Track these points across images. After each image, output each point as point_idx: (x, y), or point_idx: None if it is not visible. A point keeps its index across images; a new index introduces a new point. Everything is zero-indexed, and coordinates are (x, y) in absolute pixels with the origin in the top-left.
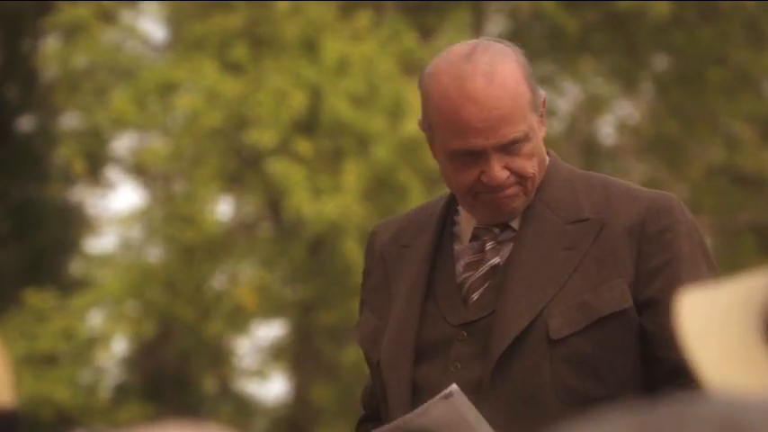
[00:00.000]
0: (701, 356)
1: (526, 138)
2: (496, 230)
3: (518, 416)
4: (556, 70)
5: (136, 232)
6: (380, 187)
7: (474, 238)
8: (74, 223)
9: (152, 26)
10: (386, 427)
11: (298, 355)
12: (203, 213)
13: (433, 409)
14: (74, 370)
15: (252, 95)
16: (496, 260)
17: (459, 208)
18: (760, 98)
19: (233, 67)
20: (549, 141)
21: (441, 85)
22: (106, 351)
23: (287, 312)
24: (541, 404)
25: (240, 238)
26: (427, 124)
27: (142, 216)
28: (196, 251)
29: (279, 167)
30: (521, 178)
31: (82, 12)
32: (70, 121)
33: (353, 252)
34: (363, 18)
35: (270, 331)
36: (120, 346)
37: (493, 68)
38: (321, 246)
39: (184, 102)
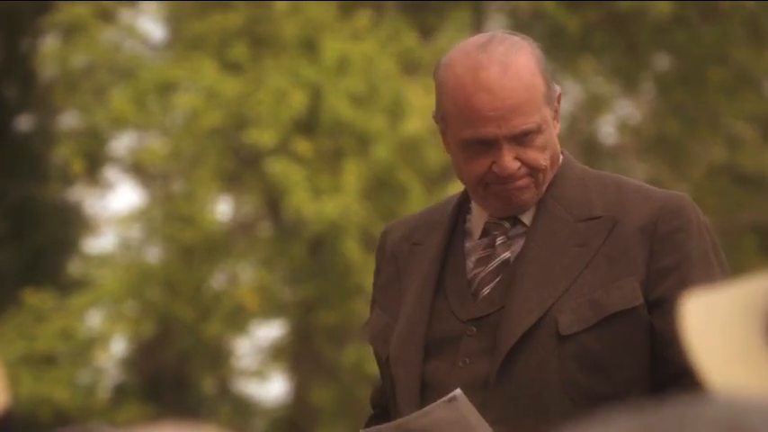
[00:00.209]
0: (704, 359)
1: (539, 130)
2: (507, 225)
3: (525, 412)
4: (556, 70)
5: (135, 232)
6: (380, 187)
7: (484, 233)
8: (72, 223)
9: (151, 25)
10: (387, 425)
11: (297, 355)
12: (202, 213)
13: (436, 411)
14: (72, 370)
15: (251, 95)
16: (507, 255)
17: (471, 205)
18: (761, 98)
19: (232, 67)
20: None
21: (455, 74)
22: (105, 351)
23: (287, 312)
24: (549, 401)
25: (240, 239)
26: (441, 115)
27: (141, 216)
28: (195, 251)
29: (278, 167)
30: (532, 170)
31: (81, 11)
32: (69, 120)
33: (354, 252)
34: (363, 17)
35: (269, 331)
36: (118, 346)
37: (507, 59)
38: (321, 246)
39: (183, 101)
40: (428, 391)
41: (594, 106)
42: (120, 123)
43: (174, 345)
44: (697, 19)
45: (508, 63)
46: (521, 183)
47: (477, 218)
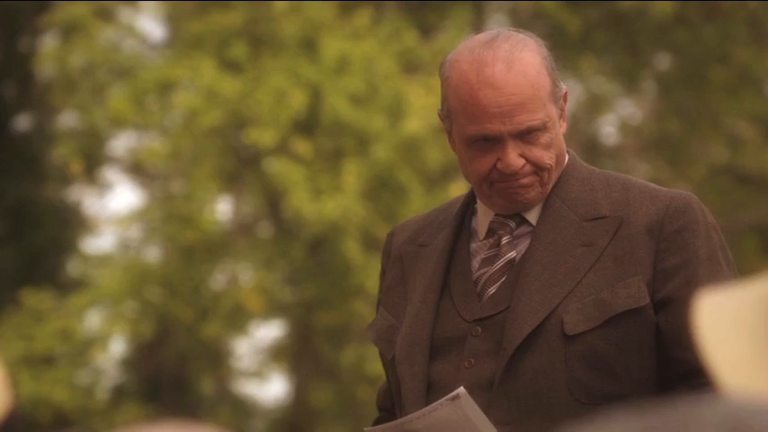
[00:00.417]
0: (718, 359)
1: (544, 127)
2: (512, 224)
3: (531, 412)
4: (557, 69)
5: (134, 232)
6: (380, 187)
7: (489, 233)
8: (71, 223)
9: (150, 25)
10: (391, 423)
11: (297, 355)
12: (202, 213)
13: (439, 409)
14: (71, 371)
15: (251, 95)
16: (512, 254)
17: (477, 206)
18: (762, 97)
19: (232, 66)
20: None
21: (460, 70)
22: (104, 352)
23: (286, 313)
24: (555, 401)
25: (239, 239)
26: (446, 112)
27: (140, 216)
28: (195, 251)
29: (278, 167)
30: (537, 168)
31: (79, 10)
32: (67, 120)
33: (354, 252)
34: (363, 17)
35: (269, 332)
36: (117, 346)
37: (512, 56)
38: (321, 246)
39: (183, 101)
40: (433, 392)
41: (595, 106)
42: (118, 123)
43: (173, 345)
44: (698, 19)
45: (513, 59)
46: (525, 180)
47: (483, 218)
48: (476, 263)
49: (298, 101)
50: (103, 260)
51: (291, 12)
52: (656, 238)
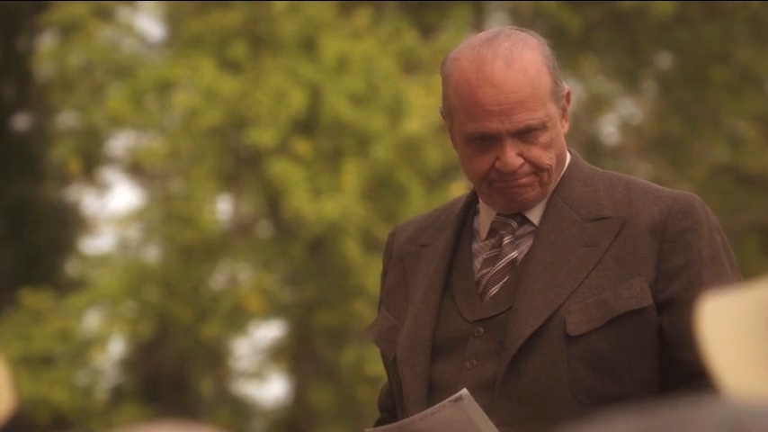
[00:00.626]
0: (721, 362)
1: (543, 127)
2: (514, 224)
3: (533, 413)
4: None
5: (133, 232)
6: (380, 187)
7: (491, 233)
8: (70, 223)
9: (149, 24)
10: (392, 425)
11: (297, 356)
12: (201, 213)
13: (442, 411)
14: (70, 371)
15: (250, 94)
16: (514, 254)
17: (479, 206)
18: (764, 97)
19: (231, 66)
20: None
21: (460, 68)
22: (103, 352)
23: (286, 313)
24: (557, 402)
25: (239, 239)
26: (447, 110)
27: (139, 216)
28: (194, 251)
29: (278, 167)
30: (536, 168)
31: (78, 10)
32: (66, 120)
33: (353, 253)
34: (363, 16)
35: (268, 332)
36: (116, 347)
37: (513, 54)
38: (321, 246)
39: (182, 100)
40: (435, 392)
41: (596, 106)
42: (117, 123)
43: (172, 346)
44: (699, 18)
45: (513, 58)
46: (524, 180)
47: (485, 218)
48: (477, 263)
49: (297, 101)
50: (102, 260)
51: (291, 11)
52: (659, 239)
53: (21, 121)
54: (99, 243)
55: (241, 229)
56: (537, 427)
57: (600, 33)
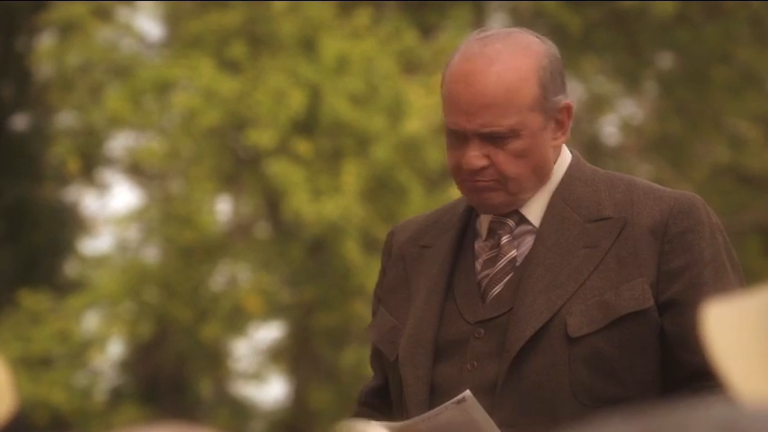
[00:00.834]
0: (728, 366)
1: (514, 135)
2: (511, 224)
3: (534, 415)
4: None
5: (132, 233)
6: (380, 188)
7: (490, 233)
8: (69, 224)
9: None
10: (396, 425)
11: (296, 357)
12: (200, 214)
13: (445, 412)
14: (69, 372)
15: (250, 95)
16: (513, 253)
17: None
18: (765, 97)
19: (230, 66)
20: None
21: (453, 60)
22: (102, 353)
23: (286, 314)
24: (558, 404)
25: (238, 240)
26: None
27: (138, 216)
28: (193, 252)
29: (278, 168)
30: (500, 175)
31: (77, 9)
32: (65, 120)
33: (353, 253)
34: (363, 16)
35: (268, 333)
36: (115, 348)
37: (499, 56)
38: (320, 247)
39: (181, 100)
40: (437, 394)
41: (597, 106)
42: (116, 123)
43: (171, 347)
44: (700, 18)
45: (496, 60)
46: (487, 185)
47: (484, 218)
48: (479, 264)
49: (297, 101)
50: (101, 261)
51: (290, 11)
52: (661, 240)
53: (19, 121)
54: (98, 244)
55: (240, 229)
56: (538, 429)
57: (600, 33)
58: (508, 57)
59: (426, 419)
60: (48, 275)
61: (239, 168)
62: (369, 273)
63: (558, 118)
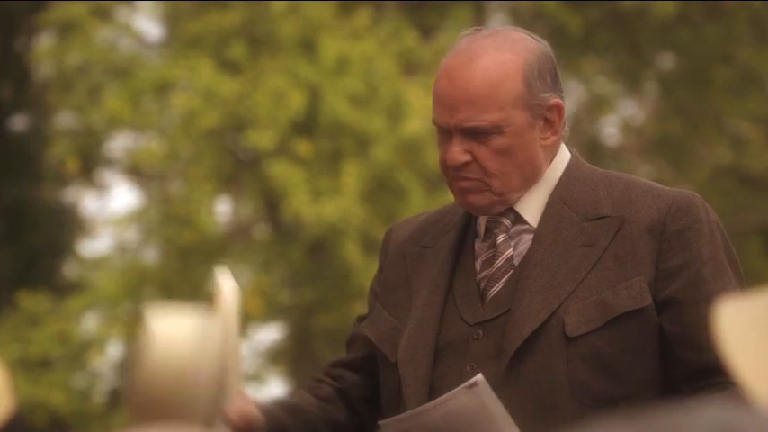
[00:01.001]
0: (740, 365)
1: (496, 130)
2: (507, 222)
3: (533, 415)
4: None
5: (131, 234)
6: (380, 189)
7: (487, 233)
8: (68, 225)
9: (147, 24)
10: (406, 413)
11: (296, 359)
12: (200, 215)
13: (456, 397)
14: (68, 374)
15: (249, 96)
16: (510, 252)
17: None
18: (766, 98)
19: (230, 67)
20: None
21: (446, 56)
22: (101, 355)
23: (285, 316)
24: (557, 403)
25: (237, 241)
26: None
27: (137, 218)
28: (193, 253)
29: (277, 169)
30: (484, 173)
31: (76, 9)
32: (64, 120)
33: (353, 255)
34: (363, 16)
35: (268, 335)
36: (115, 349)
37: (485, 52)
38: (320, 249)
39: (180, 101)
40: (436, 396)
41: (597, 107)
42: (115, 123)
43: None
44: (701, 18)
45: (480, 55)
46: (469, 184)
47: (482, 218)
48: (478, 265)
49: (296, 102)
50: (100, 262)
51: (290, 12)
52: (659, 238)
53: (18, 122)
54: (97, 245)
55: (240, 231)
56: (538, 429)
57: (601, 34)
58: (493, 52)
59: (437, 406)
60: (47, 277)
61: (239, 169)
62: (369, 274)
63: (548, 117)
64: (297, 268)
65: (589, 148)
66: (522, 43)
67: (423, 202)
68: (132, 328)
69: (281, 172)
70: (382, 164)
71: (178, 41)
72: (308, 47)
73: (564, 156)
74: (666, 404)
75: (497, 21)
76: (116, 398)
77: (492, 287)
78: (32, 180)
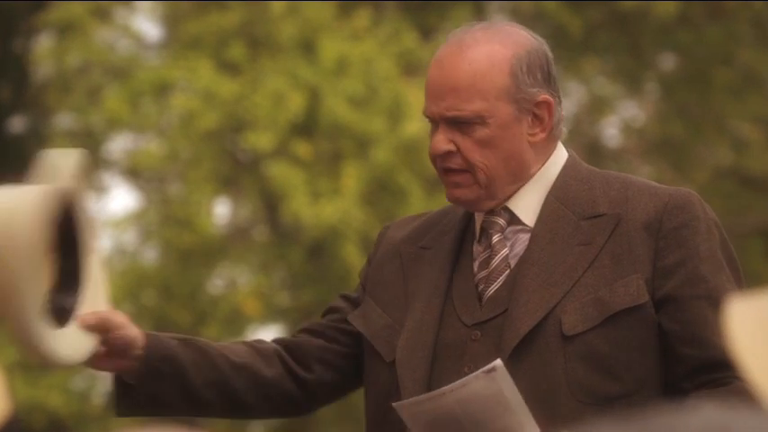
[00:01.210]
0: (750, 364)
1: (479, 121)
2: (501, 222)
3: (532, 413)
4: (559, 71)
5: (130, 236)
6: (380, 190)
7: (482, 233)
8: None
9: (146, 25)
10: (422, 396)
11: None
12: (199, 217)
13: (474, 382)
14: (67, 376)
15: (249, 97)
16: (505, 252)
17: None
18: (767, 99)
19: (229, 68)
20: None
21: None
22: None
23: (285, 317)
24: (556, 402)
25: (237, 242)
26: None
27: (137, 219)
28: (192, 255)
29: (277, 171)
30: (467, 164)
31: (75, 9)
32: (63, 121)
33: (353, 257)
34: (362, 17)
35: (267, 337)
36: None
37: (475, 43)
38: (320, 250)
39: (180, 102)
40: None
41: (598, 108)
42: (114, 124)
43: None
44: (702, 19)
45: (470, 46)
46: (456, 179)
47: (477, 218)
48: (476, 266)
49: (296, 103)
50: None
51: (289, 14)
52: (655, 236)
53: (17, 123)
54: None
55: (239, 232)
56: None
57: (601, 34)
58: (483, 44)
59: (454, 390)
60: None
61: (238, 171)
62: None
63: (536, 113)
64: (296, 270)
65: (590, 149)
66: (514, 37)
67: (423, 204)
68: None
69: (281, 173)
70: (382, 165)
71: (177, 42)
72: (307, 48)
73: (561, 155)
74: (664, 403)
75: (497, 21)
76: None
77: (489, 288)
78: (31, 182)
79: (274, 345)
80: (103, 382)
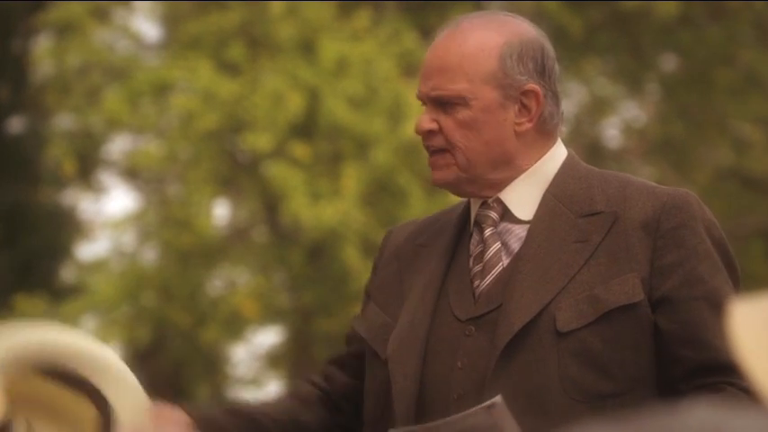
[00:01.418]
0: (753, 366)
1: (463, 102)
2: (494, 216)
3: (524, 410)
4: (559, 71)
5: (129, 237)
6: (380, 192)
7: (476, 227)
8: (66, 228)
9: (146, 25)
10: (421, 426)
11: (295, 363)
12: (198, 217)
13: (472, 417)
14: None
15: (248, 97)
16: (497, 245)
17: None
18: None
19: (229, 68)
20: None
21: None
22: None
23: (284, 319)
24: (548, 399)
25: (236, 243)
26: None
27: (136, 220)
28: (191, 256)
29: (276, 171)
30: (448, 143)
31: (75, 10)
32: (62, 122)
33: (353, 259)
34: (362, 18)
35: (266, 338)
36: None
37: (470, 28)
38: (320, 252)
39: (179, 102)
40: (426, 393)
41: (599, 108)
42: (113, 125)
43: (169, 351)
44: (703, 19)
45: (463, 30)
46: (437, 159)
47: (472, 211)
48: (471, 261)
49: (295, 104)
50: (98, 265)
51: (289, 14)
52: (653, 235)
53: (16, 124)
54: (95, 248)
55: (238, 233)
56: (529, 425)
57: (602, 35)
58: (478, 30)
59: (451, 423)
60: (44, 280)
61: (237, 172)
62: (368, 278)
63: (524, 102)
64: (296, 271)
65: (590, 149)
66: (510, 26)
67: (423, 205)
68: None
69: (280, 174)
70: (382, 166)
71: (177, 42)
72: (307, 48)
73: (560, 153)
74: (656, 404)
75: None
76: None
77: (483, 283)
78: (30, 182)
79: (315, 390)
80: None
